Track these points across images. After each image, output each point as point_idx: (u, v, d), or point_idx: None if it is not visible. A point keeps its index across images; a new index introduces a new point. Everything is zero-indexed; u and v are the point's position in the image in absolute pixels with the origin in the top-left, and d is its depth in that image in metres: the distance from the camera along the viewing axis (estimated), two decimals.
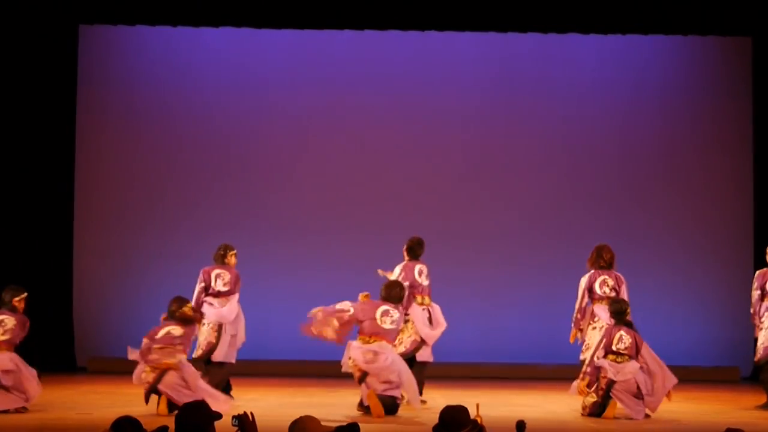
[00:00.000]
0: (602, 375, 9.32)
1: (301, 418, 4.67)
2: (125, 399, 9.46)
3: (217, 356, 10.48)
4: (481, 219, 14.80)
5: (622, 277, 10.32)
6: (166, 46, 14.89)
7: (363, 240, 14.25)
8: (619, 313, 9.62)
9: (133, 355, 9.23)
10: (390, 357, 9.38)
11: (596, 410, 9.35)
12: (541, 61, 14.94)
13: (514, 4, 14.26)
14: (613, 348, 9.41)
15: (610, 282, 10.23)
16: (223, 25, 14.49)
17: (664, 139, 14.97)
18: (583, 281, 10.25)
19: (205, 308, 10.53)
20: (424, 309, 10.59)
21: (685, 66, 15.04)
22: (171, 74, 14.86)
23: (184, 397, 8.63)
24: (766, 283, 10.56)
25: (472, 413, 5.09)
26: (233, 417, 4.54)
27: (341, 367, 9.72)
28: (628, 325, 9.56)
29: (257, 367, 12.93)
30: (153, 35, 14.81)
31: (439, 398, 10.70)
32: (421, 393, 9.99)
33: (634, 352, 9.43)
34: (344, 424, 4.70)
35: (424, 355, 10.59)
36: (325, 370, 13.34)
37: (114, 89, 14.79)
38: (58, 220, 14.53)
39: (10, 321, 9.30)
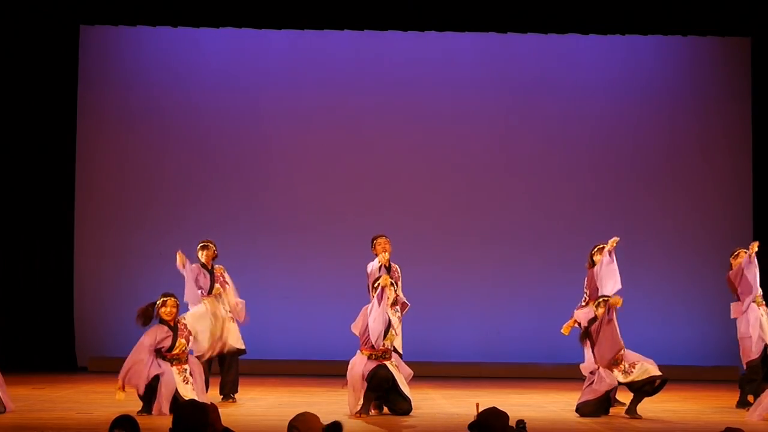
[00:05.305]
0: None
1: (303, 413, 4.68)
2: (125, 399, 9.45)
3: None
4: (480, 219, 14.81)
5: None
6: (167, 47, 14.90)
7: (364, 240, 14.25)
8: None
9: None
10: None
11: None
12: (541, 61, 14.95)
13: (514, 4, 14.28)
14: None
15: None
16: (224, 25, 14.52)
17: (663, 139, 14.99)
18: None
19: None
20: None
21: (684, 66, 15.05)
22: (171, 74, 14.88)
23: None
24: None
25: (472, 413, 5.07)
26: None
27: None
28: None
29: (257, 367, 12.92)
30: (153, 36, 14.83)
31: (439, 398, 10.71)
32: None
33: None
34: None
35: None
36: (325, 370, 13.36)
37: (115, 89, 14.81)
38: (58, 221, 14.55)
39: None
